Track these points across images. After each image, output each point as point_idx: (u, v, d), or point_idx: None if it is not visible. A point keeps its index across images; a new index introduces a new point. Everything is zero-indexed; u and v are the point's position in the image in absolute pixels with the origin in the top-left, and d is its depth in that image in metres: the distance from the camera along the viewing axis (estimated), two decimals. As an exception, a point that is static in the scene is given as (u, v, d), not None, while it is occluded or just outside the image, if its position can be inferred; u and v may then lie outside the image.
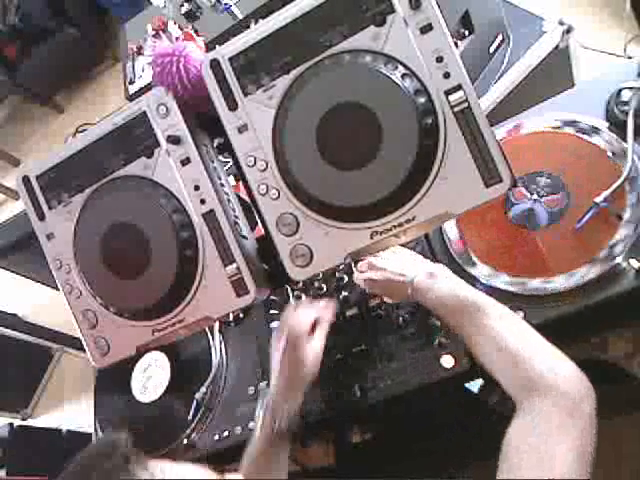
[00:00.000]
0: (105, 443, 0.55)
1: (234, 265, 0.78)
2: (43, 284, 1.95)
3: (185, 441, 1.08)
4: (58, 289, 0.88)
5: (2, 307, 2.64)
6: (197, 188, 0.79)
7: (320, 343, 0.91)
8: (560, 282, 0.88)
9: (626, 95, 0.95)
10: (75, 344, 2.52)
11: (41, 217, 0.87)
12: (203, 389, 1.10)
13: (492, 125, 0.70)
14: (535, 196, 0.96)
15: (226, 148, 0.83)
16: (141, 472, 0.52)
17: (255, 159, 0.76)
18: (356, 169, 0.72)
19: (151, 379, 1.21)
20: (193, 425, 1.09)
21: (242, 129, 0.76)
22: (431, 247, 1.04)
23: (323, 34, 0.72)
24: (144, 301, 0.82)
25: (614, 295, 0.85)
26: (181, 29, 1.57)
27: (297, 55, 0.73)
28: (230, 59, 0.76)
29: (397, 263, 0.93)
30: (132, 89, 1.59)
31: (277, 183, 0.76)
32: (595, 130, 0.96)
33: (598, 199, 0.88)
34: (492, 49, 1.39)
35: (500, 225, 0.98)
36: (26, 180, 0.87)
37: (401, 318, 1.01)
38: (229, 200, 0.82)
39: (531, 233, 0.95)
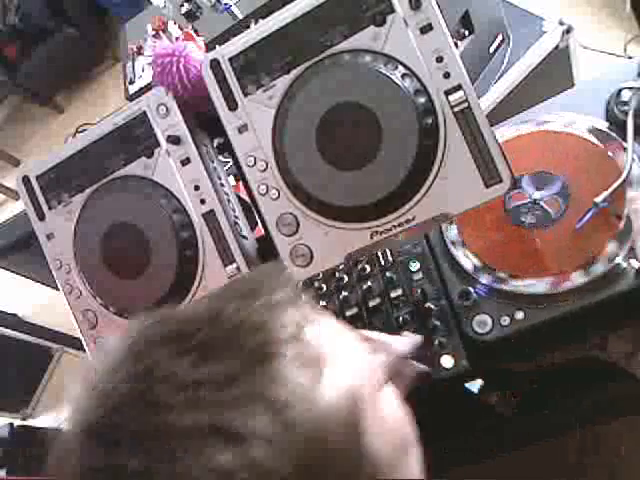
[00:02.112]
0: (276, 268, 0.45)
1: (234, 265, 0.78)
2: (43, 284, 1.94)
3: (185, 441, 1.08)
4: (58, 289, 0.88)
5: (2, 307, 2.63)
6: (197, 188, 0.79)
7: None
8: (560, 282, 0.88)
9: (626, 95, 0.95)
10: (75, 344, 2.52)
11: (41, 217, 0.87)
12: (203, 389, 1.10)
13: (492, 125, 0.70)
14: (536, 196, 0.96)
15: (226, 148, 0.83)
16: (314, 317, 0.41)
17: (255, 159, 0.76)
18: (356, 169, 0.72)
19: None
20: (193, 425, 1.09)
21: (242, 129, 0.76)
22: (431, 247, 1.04)
23: (323, 34, 0.72)
24: (144, 301, 0.82)
25: (614, 295, 0.85)
26: (181, 29, 1.57)
27: (297, 55, 0.73)
28: (230, 59, 0.76)
29: None
30: (132, 89, 1.59)
31: (277, 183, 0.76)
32: (595, 130, 0.96)
33: (598, 199, 0.88)
34: (492, 49, 1.39)
35: (500, 225, 0.98)
36: (26, 180, 0.87)
37: (401, 318, 1.01)
38: (229, 200, 0.82)
39: (531, 233, 0.95)
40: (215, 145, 0.86)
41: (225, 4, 1.50)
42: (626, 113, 0.93)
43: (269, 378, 0.36)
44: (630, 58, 1.81)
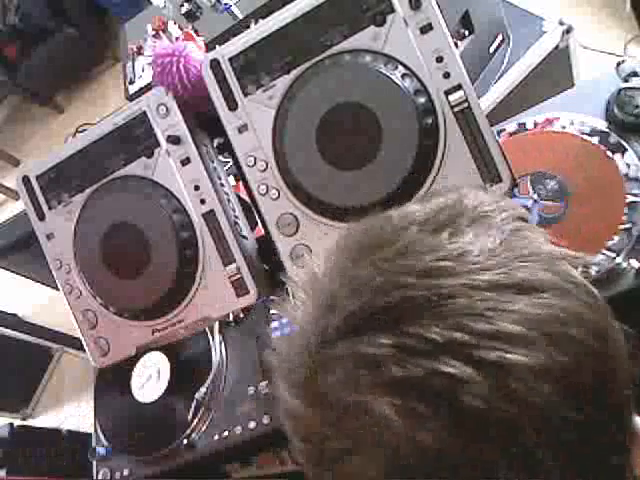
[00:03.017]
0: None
1: (234, 265, 0.78)
2: (43, 284, 1.94)
3: (185, 441, 1.08)
4: (58, 289, 0.88)
5: (2, 307, 2.63)
6: (197, 188, 0.79)
7: None
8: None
9: (626, 95, 0.95)
10: (75, 344, 2.51)
11: (41, 217, 0.87)
12: (203, 389, 1.10)
13: (492, 125, 0.70)
14: (536, 196, 0.96)
15: (226, 148, 0.84)
16: None
17: (255, 159, 0.76)
18: (356, 169, 0.72)
19: (151, 379, 1.21)
20: (193, 425, 1.09)
21: (242, 129, 0.76)
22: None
23: (323, 34, 0.72)
24: (144, 301, 0.82)
25: (614, 295, 0.85)
26: (181, 29, 1.56)
27: (297, 55, 0.73)
28: (230, 59, 0.76)
29: None
30: (132, 89, 1.59)
31: (277, 183, 0.76)
32: (595, 130, 0.96)
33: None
34: (492, 49, 1.38)
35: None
36: (26, 180, 0.87)
37: None
38: (229, 200, 0.82)
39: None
40: (215, 145, 0.86)
41: (225, 4, 1.50)
42: (626, 113, 0.93)
43: (527, 242, 0.38)
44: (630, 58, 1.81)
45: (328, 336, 0.36)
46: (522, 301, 0.34)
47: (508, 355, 0.32)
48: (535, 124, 1.02)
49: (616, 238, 0.87)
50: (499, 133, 1.04)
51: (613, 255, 0.86)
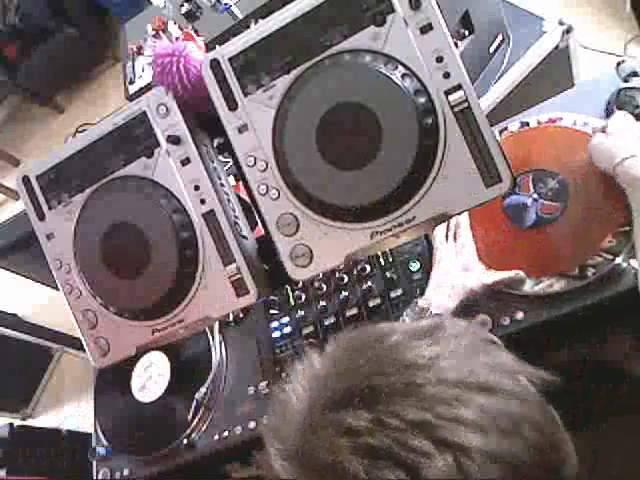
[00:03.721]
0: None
1: (234, 265, 0.78)
2: (43, 284, 1.94)
3: (185, 441, 1.08)
4: (58, 289, 0.88)
5: (2, 307, 2.63)
6: (197, 188, 0.79)
7: None
8: (559, 282, 0.88)
9: (626, 95, 0.95)
10: (75, 344, 2.51)
11: (41, 217, 0.87)
12: (203, 389, 1.10)
13: (492, 125, 0.70)
14: (536, 195, 0.96)
15: (226, 148, 0.84)
16: None
17: (255, 159, 0.76)
18: (356, 169, 0.72)
19: (151, 379, 1.21)
20: (193, 425, 1.09)
21: (242, 129, 0.76)
22: (430, 245, 1.04)
23: (323, 34, 0.72)
24: (144, 301, 0.82)
25: (614, 295, 0.85)
26: (181, 29, 1.56)
27: (297, 55, 0.73)
28: (230, 59, 0.76)
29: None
30: (132, 89, 1.59)
31: (277, 183, 0.76)
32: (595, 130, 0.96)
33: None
34: (492, 49, 1.38)
35: (499, 225, 0.98)
36: (26, 180, 0.87)
37: (401, 318, 1.01)
38: (229, 200, 0.82)
39: (530, 233, 0.95)
40: (215, 145, 0.86)
41: (225, 4, 1.50)
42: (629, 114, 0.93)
43: (493, 356, 0.47)
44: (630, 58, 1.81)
45: (316, 408, 0.43)
46: (482, 398, 0.41)
47: (465, 438, 0.38)
48: (538, 123, 1.02)
49: (615, 241, 0.87)
50: (501, 132, 1.04)
51: (611, 257, 0.86)
